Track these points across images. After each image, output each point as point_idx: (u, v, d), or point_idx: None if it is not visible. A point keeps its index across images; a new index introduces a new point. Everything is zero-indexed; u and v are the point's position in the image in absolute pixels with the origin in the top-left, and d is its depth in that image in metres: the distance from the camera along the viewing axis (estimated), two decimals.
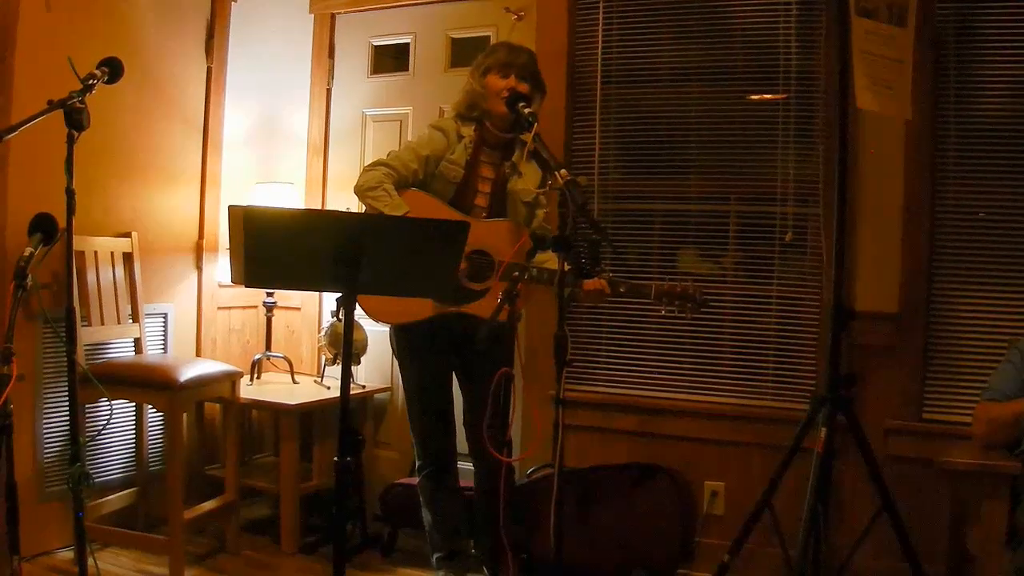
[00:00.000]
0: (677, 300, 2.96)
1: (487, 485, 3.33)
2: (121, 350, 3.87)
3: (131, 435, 3.94)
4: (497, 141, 3.26)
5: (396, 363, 4.36)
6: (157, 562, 3.58)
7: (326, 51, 4.58)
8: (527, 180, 3.25)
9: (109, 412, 3.63)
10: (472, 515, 3.50)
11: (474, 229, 3.13)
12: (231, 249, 2.25)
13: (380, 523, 4.01)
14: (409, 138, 4.38)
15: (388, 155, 3.26)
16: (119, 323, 3.75)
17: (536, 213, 3.28)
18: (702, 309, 3.01)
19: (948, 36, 3.40)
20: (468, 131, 3.25)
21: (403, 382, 3.47)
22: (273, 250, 2.23)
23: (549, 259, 2.98)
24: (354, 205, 4.44)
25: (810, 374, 3.60)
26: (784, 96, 3.66)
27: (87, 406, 3.56)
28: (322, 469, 4.12)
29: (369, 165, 3.23)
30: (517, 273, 2.86)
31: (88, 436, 3.56)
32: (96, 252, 3.66)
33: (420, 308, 3.17)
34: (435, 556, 3.46)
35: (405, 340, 3.37)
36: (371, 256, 2.26)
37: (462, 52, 4.31)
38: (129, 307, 3.83)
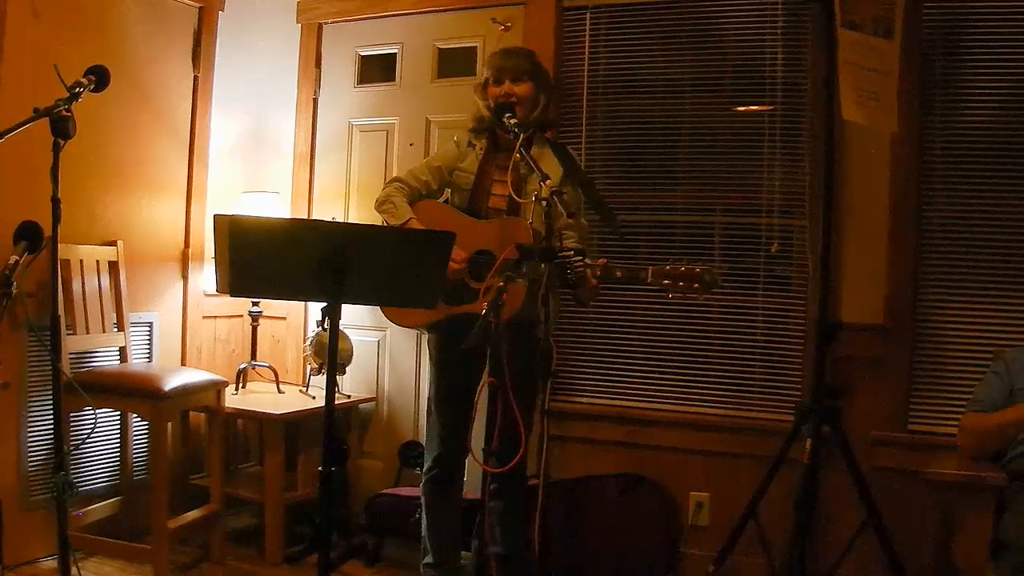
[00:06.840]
0: (682, 281, 2.67)
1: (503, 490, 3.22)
2: (106, 359, 3.85)
3: (115, 444, 3.91)
4: (511, 145, 3.17)
5: (381, 373, 4.41)
6: (141, 571, 3.56)
7: (313, 61, 4.58)
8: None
9: (93, 421, 3.61)
10: (470, 527, 3.47)
11: (476, 230, 3.14)
12: (216, 258, 2.23)
13: (365, 533, 3.98)
14: (395, 148, 4.42)
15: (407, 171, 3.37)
16: (104, 332, 3.73)
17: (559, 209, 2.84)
18: (714, 290, 2.69)
19: (934, 49, 3.43)
20: (479, 141, 3.28)
21: (429, 382, 3.39)
22: (258, 259, 2.22)
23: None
24: (339, 215, 4.46)
25: (796, 385, 3.61)
26: (770, 108, 3.67)
27: (71, 415, 3.52)
28: (307, 479, 4.11)
29: (387, 182, 3.33)
30: (509, 273, 2.63)
31: (72, 445, 3.54)
32: (81, 260, 3.64)
33: (429, 311, 3.07)
34: (424, 562, 3.43)
35: (432, 340, 3.34)
36: (356, 266, 2.26)
37: (449, 62, 4.32)
38: (114, 316, 3.81)
